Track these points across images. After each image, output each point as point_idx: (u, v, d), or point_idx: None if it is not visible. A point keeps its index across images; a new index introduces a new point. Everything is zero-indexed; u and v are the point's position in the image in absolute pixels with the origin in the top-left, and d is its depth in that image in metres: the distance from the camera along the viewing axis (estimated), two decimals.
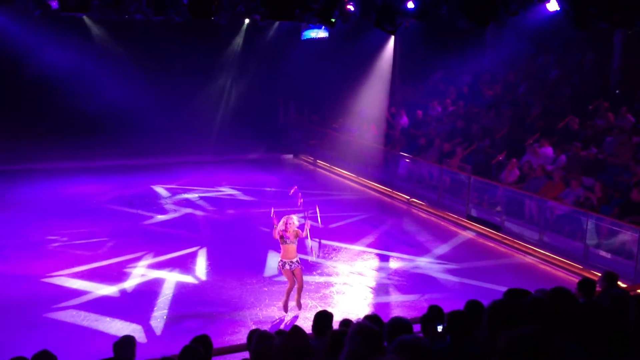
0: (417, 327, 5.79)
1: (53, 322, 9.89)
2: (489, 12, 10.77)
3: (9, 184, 18.30)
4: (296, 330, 4.58)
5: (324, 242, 12.22)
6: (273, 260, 12.79)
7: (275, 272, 11.37)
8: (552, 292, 5.42)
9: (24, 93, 22.43)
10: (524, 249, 13.72)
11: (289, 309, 10.20)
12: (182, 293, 11.07)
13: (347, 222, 15.60)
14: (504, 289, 10.33)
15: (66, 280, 11.49)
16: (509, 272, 12.57)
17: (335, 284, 11.64)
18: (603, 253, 12.54)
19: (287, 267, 10.07)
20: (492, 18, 10.88)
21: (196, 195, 17.64)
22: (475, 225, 15.22)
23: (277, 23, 21.45)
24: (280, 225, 10.05)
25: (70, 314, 10.14)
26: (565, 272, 12.52)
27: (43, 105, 22.72)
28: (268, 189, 18.21)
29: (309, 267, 12.32)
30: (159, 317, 10.09)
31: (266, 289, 11.32)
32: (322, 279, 11.80)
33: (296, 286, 10.12)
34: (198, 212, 15.94)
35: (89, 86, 22.19)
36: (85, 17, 20.04)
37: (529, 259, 13.37)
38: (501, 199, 15.13)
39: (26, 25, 18.91)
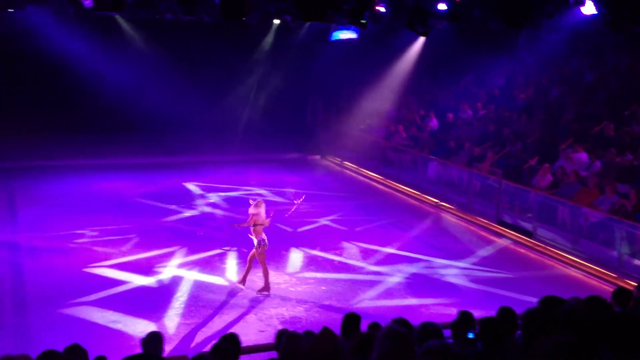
0: (447, 333, 5.69)
1: (75, 315, 9.95)
2: (524, 14, 10.58)
3: (39, 180, 18.53)
4: (326, 331, 4.52)
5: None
6: (295, 257, 12.81)
7: (298, 268, 12.10)
8: (587, 300, 5.28)
9: (55, 90, 22.71)
10: (556, 256, 13.47)
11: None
12: (210, 291, 11.06)
13: (374, 224, 15.48)
14: (533, 297, 10.22)
15: (95, 273, 11.59)
16: (540, 279, 12.34)
17: (362, 286, 11.54)
18: (638, 262, 12.25)
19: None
20: (527, 21, 10.69)
21: (225, 194, 17.68)
22: (506, 231, 15.00)
23: (307, 24, 21.41)
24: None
25: (95, 307, 10.19)
26: (599, 281, 12.25)
27: (73, 102, 23.01)
28: (289, 190, 18.20)
29: (335, 267, 12.26)
30: (184, 316, 10.10)
31: (292, 289, 11.27)
32: (345, 276, 11.71)
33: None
34: (221, 212, 15.95)
35: (119, 84, 22.38)
36: (117, 16, 20.22)
37: (561, 267, 13.12)
38: (533, 205, 14.87)
39: (59, 23, 19.15)
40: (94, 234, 13.85)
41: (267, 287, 10.96)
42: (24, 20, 18.30)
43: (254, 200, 11.23)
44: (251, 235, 11.01)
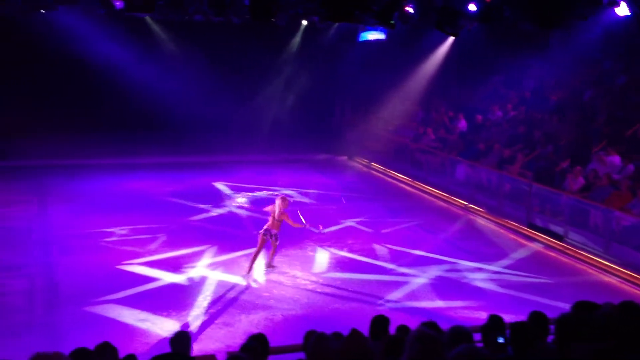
0: (477, 337, 5.61)
1: (103, 314, 10.00)
2: (556, 15, 10.43)
3: (71, 178, 18.83)
4: (355, 333, 4.47)
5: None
6: (322, 258, 12.79)
7: (325, 269, 12.26)
8: (621, 306, 5.16)
9: (85, 90, 23.01)
10: (587, 260, 13.23)
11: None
12: (237, 291, 11.08)
13: (402, 226, 15.38)
14: (564, 302, 10.07)
15: (125, 271, 11.69)
16: (571, 284, 12.10)
17: (389, 287, 11.46)
18: None
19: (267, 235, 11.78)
20: (560, 22, 10.54)
21: (251, 194, 17.74)
22: (536, 234, 14.79)
23: (335, 25, 21.39)
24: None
25: (124, 306, 10.25)
26: (631, 286, 11.99)
27: (104, 102, 23.31)
28: (312, 191, 18.17)
29: (362, 268, 12.20)
30: (211, 314, 10.12)
31: (319, 290, 11.24)
32: (372, 277, 11.65)
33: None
34: (244, 213, 15.99)
35: (148, 84, 22.60)
36: (147, 17, 20.42)
37: (592, 271, 12.89)
38: (564, 208, 14.63)
39: (90, 24, 19.40)
40: (124, 232, 14.00)
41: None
42: (55, 21, 18.57)
43: (280, 197, 12.01)
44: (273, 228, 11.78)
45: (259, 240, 11.84)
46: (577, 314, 4.50)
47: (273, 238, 11.88)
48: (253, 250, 12.03)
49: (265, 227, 11.86)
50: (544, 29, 12.35)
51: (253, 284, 11.46)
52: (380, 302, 10.87)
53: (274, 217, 11.79)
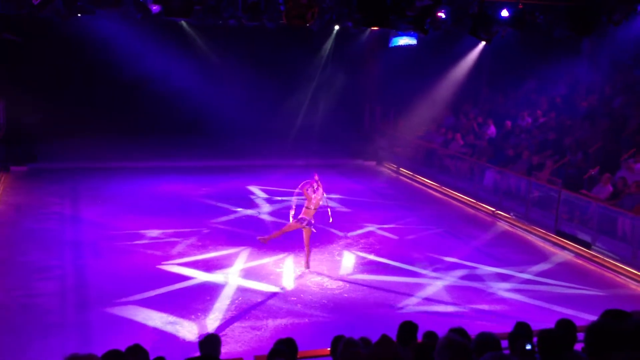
0: (504, 343, 5.67)
1: (131, 317, 10.17)
2: (590, 21, 10.42)
3: (105, 180, 19.17)
4: (385, 339, 4.55)
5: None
6: (347, 260, 12.87)
7: (351, 270, 12.54)
8: None
9: (121, 93, 23.41)
10: (615, 268, 13.15)
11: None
12: (265, 295, 11.23)
13: (430, 232, 15.44)
14: (591, 309, 10.04)
15: (158, 272, 11.91)
16: (599, 291, 12.05)
17: (415, 292, 11.52)
18: None
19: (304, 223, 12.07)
20: (593, 28, 10.52)
21: (282, 198, 17.89)
22: (564, 242, 14.73)
23: (367, 30, 21.48)
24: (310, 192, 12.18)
25: (153, 308, 10.44)
26: None
27: (138, 105, 23.67)
28: (338, 196, 18.25)
29: (388, 272, 12.26)
30: (239, 318, 10.27)
31: (346, 295, 11.34)
32: (398, 280, 11.71)
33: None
34: (268, 217, 16.16)
35: (182, 88, 22.95)
36: (182, 22, 20.72)
37: (620, 279, 12.81)
38: (593, 215, 14.55)
39: (126, 28, 19.74)
40: (156, 234, 14.23)
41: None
42: (92, 24, 18.93)
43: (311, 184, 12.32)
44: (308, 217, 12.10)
45: (305, 232, 12.12)
46: (607, 322, 4.53)
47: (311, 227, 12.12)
48: (283, 255, 12.12)
49: (303, 216, 12.13)
50: (576, 35, 12.30)
51: (279, 289, 11.55)
52: (407, 306, 10.94)
53: (311, 206, 12.07)
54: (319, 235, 13.24)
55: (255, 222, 15.73)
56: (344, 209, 17.01)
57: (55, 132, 22.26)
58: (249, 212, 16.56)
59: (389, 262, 13.08)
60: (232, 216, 16.06)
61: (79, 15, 13.90)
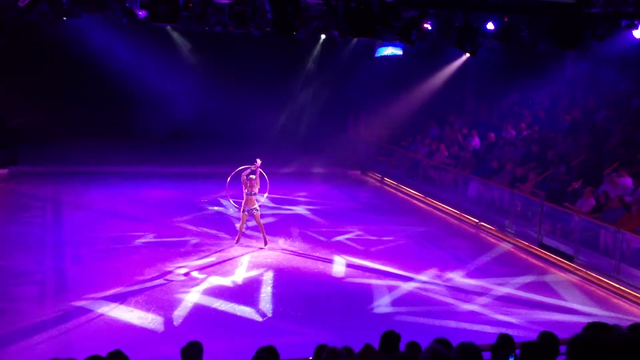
0: (486, 355, 5.66)
1: (114, 318, 10.15)
2: (574, 36, 10.52)
3: (86, 185, 19.06)
4: (369, 349, 4.54)
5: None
6: (336, 266, 12.91)
7: (343, 275, 12.86)
8: (631, 328, 5.21)
9: (105, 97, 23.27)
10: (597, 281, 13.25)
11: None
12: (229, 294, 11.20)
13: (412, 241, 15.47)
14: (574, 321, 10.09)
15: (135, 278, 11.83)
16: (581, 304, 12.11)
17: (396, 304, 11.52)
18: None
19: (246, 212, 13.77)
20: (577, 43, 10.62)
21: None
22: (546, 254, 14.81)
23: (354, 39, 21.55)
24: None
25: (133, 309, 10.40)
26: None
27: (122, 109, 23.55)
28: (322, 202, 18.20)
29: (372, 276, 12.27)
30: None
31: (334, 298, 11.31)
32: (382, 282, 11.71)
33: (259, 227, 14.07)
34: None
35: (167, 93, 22.87)
36: (168, 27, 20.67)
37: (602, 292, 12.90)
38: (575, 229, 14.65)
39: (112, 32, 19.65)
40: (137, 238, 14.21)
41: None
42: (77, 28, 18.81)
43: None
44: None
45: (254, 216, 13.87)
46: (589, 335, 4.55)
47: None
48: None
49: (245, 206, 13.66)
50: (560, 49, 12.43)
51: (238, 282, 11.73)
52: (385, 313, 10.95)
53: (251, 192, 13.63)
54: (304, 239, 13.41)
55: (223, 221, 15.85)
56: (326, 217, 17.04)
57: (38, 135, 22.07)
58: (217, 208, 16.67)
59: (373, 266, 13.08)
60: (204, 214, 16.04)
61: (65, 18, 13.83)
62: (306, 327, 10.30)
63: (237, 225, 14.56)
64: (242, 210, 13.84)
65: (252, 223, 14.96)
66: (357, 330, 10.11)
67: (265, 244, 14.08)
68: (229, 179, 14.28)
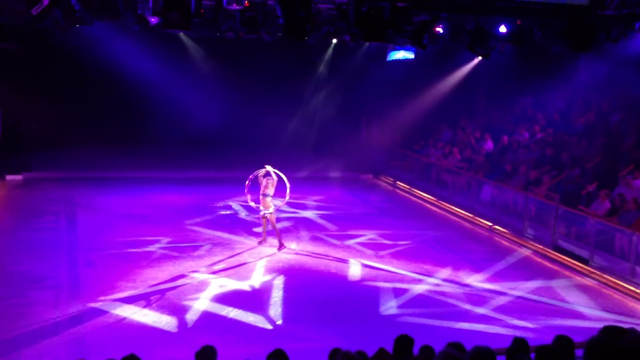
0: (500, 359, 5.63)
1: (128, 321, 10.19)
2: (587, 39, 10.45)
3: (101, 190, 19.21)
4: (383, 353, 4.52)
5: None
6: (354, 269, 12.86)
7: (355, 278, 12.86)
8: None
9: (117, 103, 23.40)
10: (613, 284, 13.12)
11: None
12: (240, 297, 11.20)
13: (427, 246, 15.40)
14: (589, 325, 10.01)
15: (150, 282, 11.86)
16: (597, 308, 11.98)
17: (409, 307, 11.47)
18: None
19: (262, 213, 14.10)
20: (590, 45, 10.56)
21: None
22: (561, 257, 14.70)
23: (366, 44, 21.55)
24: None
25: (146, 315, 10.43)
26: None
27: (134, 115, 23.66)
28: (334, 207, 18.15)
29: (384, 279, 12.23)
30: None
31: (335, 296, 11.29)
32: (393, 285, 11.67)
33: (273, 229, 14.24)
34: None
35: (179, 99, 22.95)
36: (180, 33, 20.77)
37: (617, 296, 12.77)
38: (590, 232, 14.53)
39: (124, 39, 19.75)
40: (151, 243, 14.26)
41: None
42: (90, 35, 18.93)
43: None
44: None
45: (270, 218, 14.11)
46: (605, 339, 4.49)
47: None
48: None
49: (259, 207, 14.00)
50: (578, 52, 12.36)
51: (254, 286, 11.82)
52: (397, 315, 10.91)
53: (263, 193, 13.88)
54: (316, 243, 13.54)
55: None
56: (338, 221, 17.05)
57: (52, 141, 22.24)
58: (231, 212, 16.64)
59: (386, 269, 13.06)
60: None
61: (77, 25, 13.91)
62: (319, 331, 10.28)
63: (261, 229, 14.77)
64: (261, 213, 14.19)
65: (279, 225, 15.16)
66: (371, 333, 10.07)
67: (280, 248, 14.14)
68: (247, 182, 14.30)
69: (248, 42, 19.05)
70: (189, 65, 23.82)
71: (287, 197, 14.40)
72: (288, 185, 14.25)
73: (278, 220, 14.84)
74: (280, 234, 14.37)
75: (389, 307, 11.42)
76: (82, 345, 9.44)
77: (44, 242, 14.21)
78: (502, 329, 10.63)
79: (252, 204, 14.42)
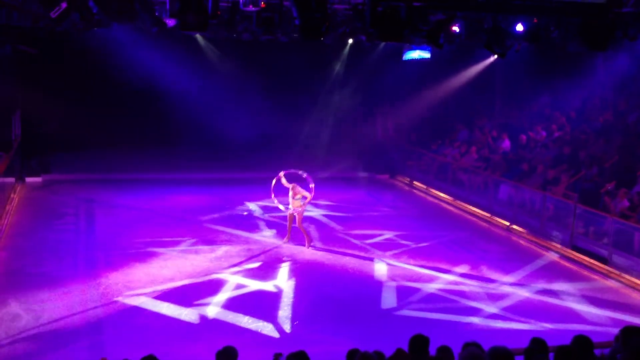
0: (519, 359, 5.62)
1: (147, 322, 10.27)
2: (607, 37, 10.37)
3: (120, 192, 19.37)
4: (401, 353, 4.54)
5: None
6: (380, 268, 12.86)
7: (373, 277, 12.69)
8: None
9: (136, 105, 23.52)
10: (631, 284, 13.03)
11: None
12: (259, 297, 11.24)
13: (443, 245, 15.37)
14: (607, 326, 9.94)
15: (165, 284, 11.95)
16: (615, 308, 11.90)
17: (425, 305, 11.47)
18: None
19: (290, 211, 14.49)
20: (609, 43, 10.47)
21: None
22: (579, 257, 14.61)
23: (382, 43, 21.52)
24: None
25: (163, 314, 10.52)
26: None
27: (152, 117, 23.77)
28: (349, 207, 18.13)
29: (402, 278, 12.23)
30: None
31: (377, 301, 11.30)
32: (411, 285, 11.67)
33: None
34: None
35: (197, 101, 23.06)
36: (197, 35, 20.86)
37: (636, 295, 12.68)
38: (609, 231, 14.42)
39: (141, 40, 19.87)
40: (170, 244, 14.36)
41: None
42: (107, 37, 19.06)
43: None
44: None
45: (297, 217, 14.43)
46: (625, 339, 4.50)
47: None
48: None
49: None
50: (595, 51, 12.25)
51: (277, 285, 11.94)
52: (411, 313, 10.92)
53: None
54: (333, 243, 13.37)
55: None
56: (355, 221, 17.08)
57: (70, 144, 22.42)
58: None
59: (403, 267, 13.05)
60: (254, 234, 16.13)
61: (95, 28, 14.01)
62: (337, 331, 10.30)
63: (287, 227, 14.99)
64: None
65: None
66: (387, 332, 10.09)
67: (307, 245, 14.49)
68: (273, 182, 14.74)
69: (264, 43, 19.10)
70: (206, 67, 23.89)
71: (308, 199, 14.52)
72: (312, 188, 14.56)
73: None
74: (308, 232, 14.75)
75: (405, 306, 11.42)
76: (102, 345, 9.54)
77: (63, 243, 14.35)
78: (520, 329, 10.58)
79: (281, 206, 14.66)
